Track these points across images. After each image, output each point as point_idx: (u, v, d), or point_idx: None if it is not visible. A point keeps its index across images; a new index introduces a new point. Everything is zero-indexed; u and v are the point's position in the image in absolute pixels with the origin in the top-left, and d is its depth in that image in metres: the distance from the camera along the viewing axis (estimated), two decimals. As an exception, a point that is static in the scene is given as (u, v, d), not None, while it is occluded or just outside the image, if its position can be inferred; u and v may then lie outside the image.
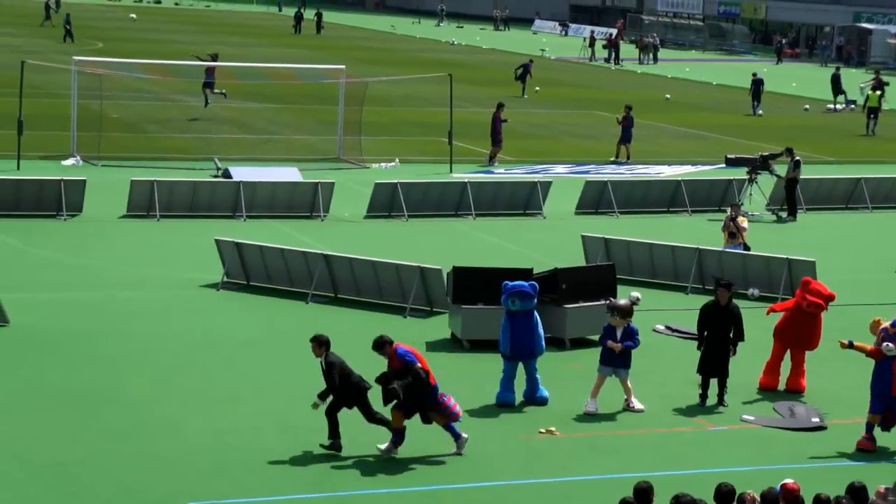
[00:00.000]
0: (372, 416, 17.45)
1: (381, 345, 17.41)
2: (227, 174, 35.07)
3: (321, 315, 24.08)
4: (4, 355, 20.77)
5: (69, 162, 37.31)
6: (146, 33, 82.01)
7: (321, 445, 17.25)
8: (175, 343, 22.01)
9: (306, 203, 32.74)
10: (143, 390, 19.47)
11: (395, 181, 33.76)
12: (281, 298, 25.05)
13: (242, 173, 34.67)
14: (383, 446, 17.19)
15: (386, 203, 33.15)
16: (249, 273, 25.82)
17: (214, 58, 47.44)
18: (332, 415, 17.33)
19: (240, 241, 25.99)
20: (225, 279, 25.70)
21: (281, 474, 16.56)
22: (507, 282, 19.84)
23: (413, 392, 17.06)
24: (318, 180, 33.43)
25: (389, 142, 44.74)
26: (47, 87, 49.58)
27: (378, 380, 17.24)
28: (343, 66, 44.03)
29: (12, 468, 16.21)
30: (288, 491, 16.09)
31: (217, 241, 26.05)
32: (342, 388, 17.23)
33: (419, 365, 17.15)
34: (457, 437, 17.46)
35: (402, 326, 23.51)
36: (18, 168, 35.28)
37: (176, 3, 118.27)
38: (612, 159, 43.62)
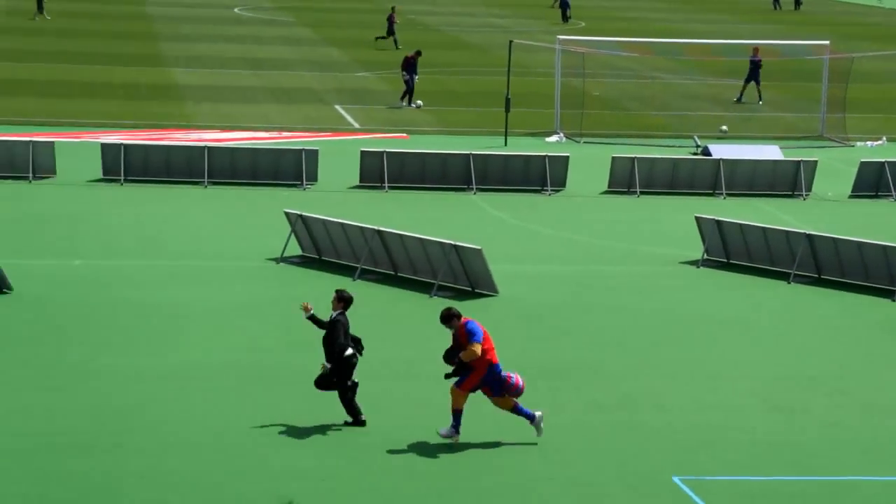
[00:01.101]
0: (342, 390, 16.65)
1: (449, 318, 16.43)
2: (706, 152, 34.99)
3: (803, 295, 23.67)
4: (496, 324, 21.54)
5: (552, 139, 38.29)
6: (626, 11, 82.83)
7: (346, 423, 16.65)
8: (656, 318, 22.20)
9: (787, 182, 32.20)
10: (625, 364, 19.76)
11: (883, 160, 32.61)
12: (761, 277, 24.76)
13: (722, 151, 34.50)
14: (444, 431, 16.41)
15: (874, 182, 32.08)
16: (729, 250, 25.66)
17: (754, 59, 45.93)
18: (346, 395, 16.62)
19: (720, 218, 25.87)
20: (705, 256, 25.67)
21: (765, 454, 16.40)
22: None
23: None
24: (799, 158, 32.79)
25: (876, 119, 43.23)
26: (533, 66, 50.96)
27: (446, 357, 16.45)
28: (827, 42, 42.89)
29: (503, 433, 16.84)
30: (772, 472, 15.92)
31: (697, 219, 26.03)
32: (333, 349, 16.45)
33: (478, 343, 16.08)
34: (530, 417, 16.48)
35: (890, 310, 22.77)
36: (506, 144, 36.54)
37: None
38: None
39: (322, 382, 16.74)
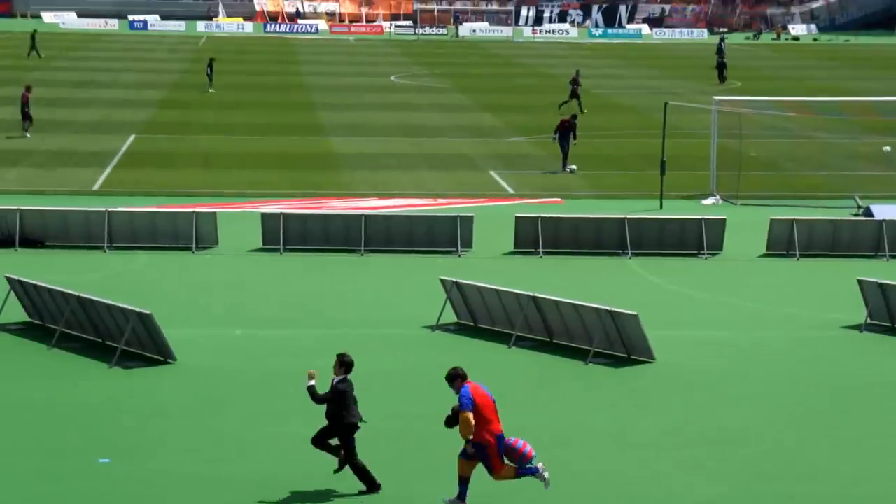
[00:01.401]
0: (350, 458, 16.58)
1: (453, 378, 16.16)
2: (868, 213, 34.37)
3: (971, 360, 23.02)
4: (653, 391, 21.39)
5: (709, 201, 37.93)
6: (782, 70, 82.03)
7: (335, 471, 16.74)
8: (817, 385, 21.80)
9: (953, 242, 31.47)
10: (784, 432, 19.41)
11: None
12: (927, 342, 24.21)
13: (885, 211, 33.85)
14: (448, 500, 16.10)
15: None
16: (894, 314, 25.07)
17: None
18: (322, 443, 16.78)
19: (884, 281, 25.35)
20: (868, 321, 25.13)
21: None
22: None
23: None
24: (965, 218, 32.03)
25: None
26: (688, 128, 50.64)
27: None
28: None
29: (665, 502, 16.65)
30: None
31: (860, 282, 25.54)
32: (339, 416, 16.55)
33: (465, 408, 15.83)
34: (534, 472, 16.13)
35: None
36: (661, 207, 36.31)
37: (814, 40, 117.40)
38: None
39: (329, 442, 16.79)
